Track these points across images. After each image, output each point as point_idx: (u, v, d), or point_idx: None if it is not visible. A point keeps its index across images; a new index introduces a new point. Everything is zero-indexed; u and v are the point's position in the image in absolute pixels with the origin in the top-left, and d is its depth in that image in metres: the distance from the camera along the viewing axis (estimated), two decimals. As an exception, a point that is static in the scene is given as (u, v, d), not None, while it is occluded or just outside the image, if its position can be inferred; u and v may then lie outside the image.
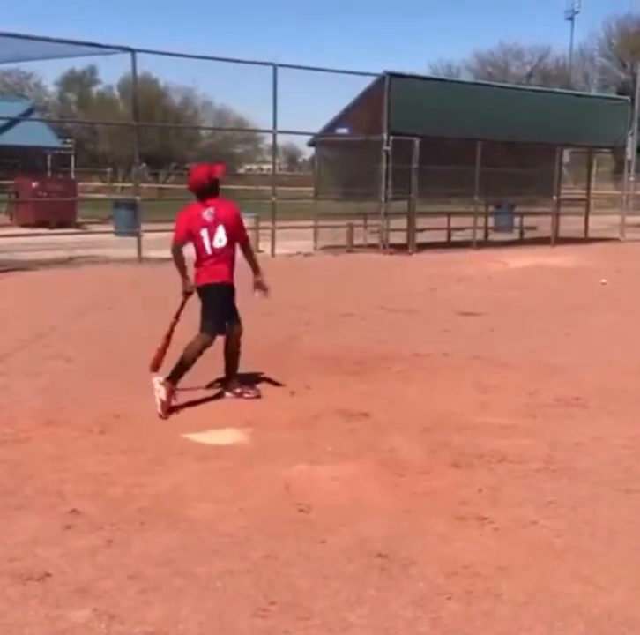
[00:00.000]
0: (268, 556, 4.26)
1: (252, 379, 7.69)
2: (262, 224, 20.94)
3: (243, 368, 7.87)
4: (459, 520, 4.75)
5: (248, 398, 7.02)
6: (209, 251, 6.88)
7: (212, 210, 6.87)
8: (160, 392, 6.66)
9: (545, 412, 6.98)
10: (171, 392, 6.72)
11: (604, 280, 15.51)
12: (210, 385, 7.33)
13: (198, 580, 4.00)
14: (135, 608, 3.74)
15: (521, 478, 5.43)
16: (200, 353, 6.85)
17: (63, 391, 7.43)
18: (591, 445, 6.10)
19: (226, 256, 6.95)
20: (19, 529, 4.55)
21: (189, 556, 4.25)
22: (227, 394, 7.10)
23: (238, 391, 7.07)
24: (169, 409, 6.69)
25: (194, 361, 6.83)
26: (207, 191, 6.95)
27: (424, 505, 4.97)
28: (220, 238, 6.87)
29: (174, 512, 4.80)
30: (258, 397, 7.10)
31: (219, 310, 6.94)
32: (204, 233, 6.85)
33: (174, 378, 6.75)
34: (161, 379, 6.68)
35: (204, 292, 6.91)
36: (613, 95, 43.92)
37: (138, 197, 19.63)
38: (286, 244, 20.23)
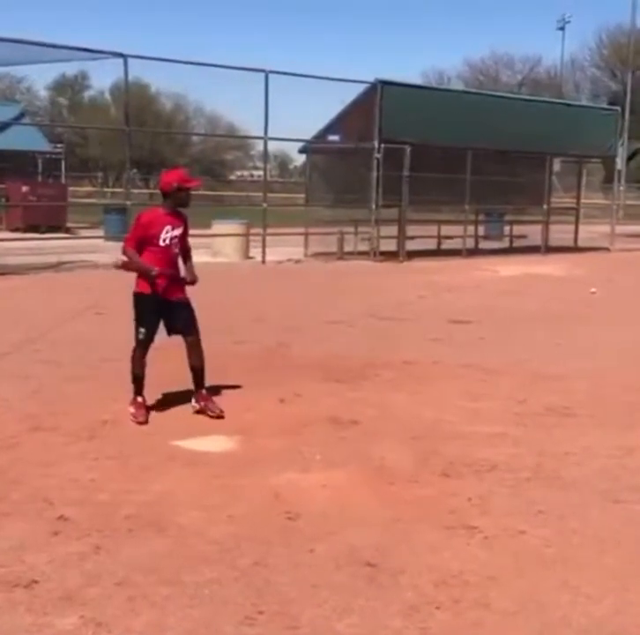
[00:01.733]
0: (256, 563, 4.25)
1: (240, 386, 7.68)
2: (252, 230, 20.99)
3: (233, 375, 7.87)
4: (448, 529, 4.74)
5: (211, 415, 6.81)
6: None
7: None
8: (130, 408, 6.75)
9: (534, 421, 6.98)
10: (137, 403, 6.76)
11: (593, 290, 15.55)
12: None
13: (186, 588, 3.98)
14: (122, 616, 3.72)
15: (510, 487, 5.43)
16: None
17: (52, 396, 7.40)
18: (580, 455, 6.11)
19: None
20: (6, 535, 4.52)
21: (176, 564, 4.23)
22: (193, 405, 6.93)
23: (202, 404, 6.89)
24: (146, 414, 6.72)
25: (142, 370, 6.84)
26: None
27: (413, 514, 4.96)
28: None
29: (162, 519, 4.78)
30: (221, 417, 6.80)
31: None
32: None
33: (134, 392, 6.83)
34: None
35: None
36: (604, 105, 44.14)
37: (129, 203, 19.60)
38: (276, 251, 20.24)
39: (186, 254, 7.02)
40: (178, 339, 6.93)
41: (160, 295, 6.72)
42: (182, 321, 6.87)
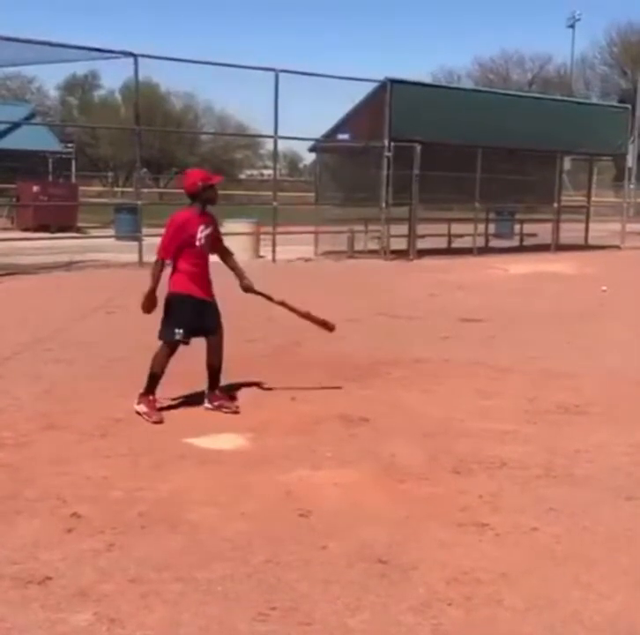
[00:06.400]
0: (269, 560, 4.26)
1: (252, 384, 7.70)
2: (263, 229, 20.99)
3: (245, 373, 7.88)
4: (460, 526, 4.75)
5: (226, 412, 6.85)
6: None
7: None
8: (140, 408, 6.72)
9: (545, 418, 6.98)
10: (150, 402, 6.75)
11: (604, 288, 15.52)
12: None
13: (199, 585, 4.00)
14: (135, 613, 3.74)
15: (521, 484, 5.43)
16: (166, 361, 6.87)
17: (64, 394, 7.43)
18: (592, 452, 6.10)
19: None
20: (20, 533, 4.55)
21: (189, 561, 4.24)
22: (206, 406, 6.95)
23: (216, 403, 6.93)
24: (160, 413, 6.72)
25: (163, 370, 6.83)
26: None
27: (424, 511, 4.97)
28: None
29: (174, 517, 4.80)
30: (236, 412, 6.87)
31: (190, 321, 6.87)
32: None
33: (147, 391, 6.79)
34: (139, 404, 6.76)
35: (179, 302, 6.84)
36: (614, 103, 43.99)
37: (139, 202, 19.65)
38: (286, 250, 20.26)
39: (224, 254, 7.10)
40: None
41: (197, 296, 6.77)
42: (211, 322, 6.91)
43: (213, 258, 7.08)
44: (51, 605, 3.79)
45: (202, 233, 6.75)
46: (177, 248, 6.71)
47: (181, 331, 6.73)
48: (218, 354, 6.98)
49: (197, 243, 6.73)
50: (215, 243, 6.98)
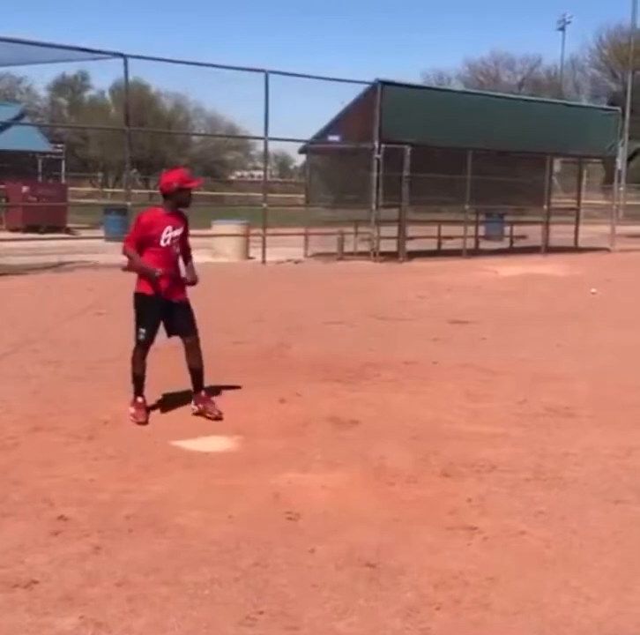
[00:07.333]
0: (256, 564, 4.24)
1: (241, 386, 7.68)
2: (252, 231, 20.98)
3: (233, 375, 7.86)
4: (448, 530, 4.74)
5: (209, 417, 6.80)
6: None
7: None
8: (130, 409, 6.74)
9: (534, 421, 6.98)
10: (138, 403, 6.76)
11: (594, 290, 15.56)
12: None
13: (186, 588, 3.98)
14: (122, 617, 3.72)
15: (510, 487, 5.42)
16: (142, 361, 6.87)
17: (52, 396, 7.39)
18: (581, 455, 6.10)
19: None
20: (6, 536, 4.52)
21: (176, 564, 4.22)
22: (193, 408, 6.93)
23: (201, 406, 6.89)
24: (146, 414, 6.74)
25: (142, 370, 6.84)
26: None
27: (413, 514, 4.95)
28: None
29: (162, 520, 4.77)
30: (219, 419, 6.77)
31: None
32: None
33: (134, 393, 6.82)
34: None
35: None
36: (604, 105, 44.11)
37: (129, 203, 19.59)
38: (276, 251, 20.24)
39: (186, 254, 6.99)
40: (177, 341, 6.93)
41: (162, 296, 6.72)
42: (182, 322, 6.86)
43: (195, 259, 7.10)
44: (37, 609, 3.77)
45: (168, 234, 6.67)
46: (139, 245, 6.69)
47: (144, 331, 6.75)
48: (196, 355, 6.92)
49: (163, 244, 6.67)
50: (182, 245, 6.89)
